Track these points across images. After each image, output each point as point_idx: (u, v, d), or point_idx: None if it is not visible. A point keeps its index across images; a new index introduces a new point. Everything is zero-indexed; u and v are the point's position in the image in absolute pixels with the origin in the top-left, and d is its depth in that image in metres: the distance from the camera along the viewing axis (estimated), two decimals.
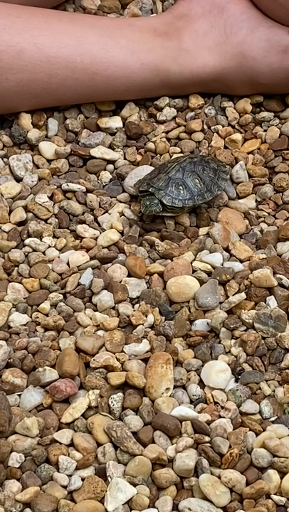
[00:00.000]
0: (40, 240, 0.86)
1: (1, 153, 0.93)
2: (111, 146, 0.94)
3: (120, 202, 0.89)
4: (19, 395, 0.74)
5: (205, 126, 0.95)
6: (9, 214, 0.88)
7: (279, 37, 0.94)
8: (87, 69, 0.94)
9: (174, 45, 0.95)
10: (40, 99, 0.95)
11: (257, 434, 0.72)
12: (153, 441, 0.71)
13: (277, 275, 0.81)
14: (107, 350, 0.77)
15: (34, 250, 0.85)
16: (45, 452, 0.70)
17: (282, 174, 0.91)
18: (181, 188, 0.85)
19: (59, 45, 0.93)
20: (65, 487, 0.69)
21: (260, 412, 0.74)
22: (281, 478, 0.69)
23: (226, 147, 0.93)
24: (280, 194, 0.89)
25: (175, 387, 0.75)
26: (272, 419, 0.73)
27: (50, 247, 0.85)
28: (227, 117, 0.96)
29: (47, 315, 0.80)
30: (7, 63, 0.91)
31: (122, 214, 0.88)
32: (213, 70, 0.96)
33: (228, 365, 0.76)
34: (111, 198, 0.89)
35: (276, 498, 0.68)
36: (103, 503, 0.67)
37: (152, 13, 1.05)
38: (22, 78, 0.92)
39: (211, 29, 0.96)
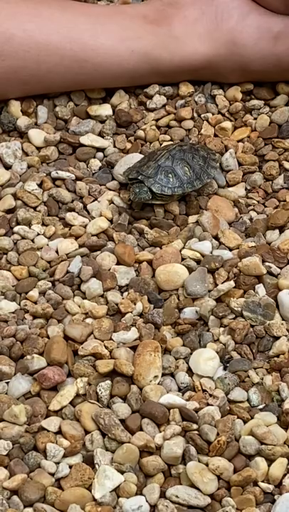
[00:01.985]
0: (29, 227, 0.86)
1: None
2: (101, 134, 0.94)
3: (110, 190, 0.90)
4: (7, 383, 0.74)
5: (195, 114, 0.95)
6: None
7: (270, 24, 0.94)
8: (77, 56, 0.94)
9: (165, 32, 0.95)
10: (30, 86, 0.95)
11: (245, 422, 0.71)
12: (141, 429, 0.71)
13: (266, 263, 0.81)
14: (95, 338, 0.77)
15: (23, 238, 0.85)
16: (32, 440, 0.70)
17: (272, 162, 0.91)
18: (170, 175, 0.85)
19: (48, 31, 0.93)
20: (52, 474, 0.69)
21: (248, 400, 0.73)
22: (269, 465, 0.69)
23: (215, 135, 0.93)
24: (270, 182, 0.89)
25: (163, 374, 0.75)
26: (260, 406, 0.73)
27: (39, 234, 0.85)
28: (217, 105, 0.96)
29: (35, 303, 0.80)
30: None
31: (111, 202, 0.88)
32: (203, 57, 0.96)
33: (217, 353, 0.76)
34: (100, 185, 0.90)
35: (263, 485, 0.68)
36: (91, 491, 0.67)
37: (142, 0, 1.06)
38: (11, 65, 0.92)
39: (201, 16, 0.96)
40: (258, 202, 0.89)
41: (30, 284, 0.81)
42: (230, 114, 0.95)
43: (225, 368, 0.75)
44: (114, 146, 0.93)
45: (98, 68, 0.94)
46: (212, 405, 0.72)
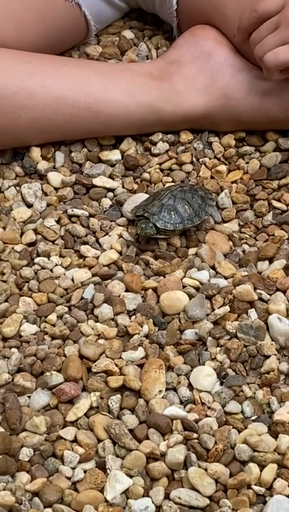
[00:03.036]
0: (48, 259, 0.86)
1: (14, 182, 0.93)
2: (111, 176, 0.94)
3: (119, 225, 0.89)
4: (29, 397, 0.75)
5: (194, 159, 0.95)
6: (21, 236, 0.89)
7: (259, 81, 0.93)
8: (91, 108, 0.93)
9: (167, 88, 0.95)
10: (49, 134, 0.95)
11: (239, 432, 0.72)
12: (147, 438, 0.71)
13: (258, 290, 0.81)
14: (106, 357, 0.77)
15: (43, 268, 0.85)
16: (51, 447, 0.71)
17: (262, 201, 0.90)
18: (172, 213, 0.85)
19: (65, 87, 0.93)
20: (69, 478, 0.69)
21: (242, 412, 0.74)
22: (261, 470, 0.69)
23: (212, 177, 0.93)
24: (260, 219, 0.89)
25: (167, 389, 0.75)
26: (253, 418, 0.73)
27: (56, 265, 0.85)
28: (213, 151, 0.96)
29: (54, 325, 0.80)
30: (20, 103, 0.91)
31: (120, 236, 0.88)
32: (201, 110, 0.95)
33: (214, 370, 0.76)
34: (111, 221, 0.89)
35: (256, 488, 0.68)
36: (103, 493, 0.68)
37: (148, 59, 1.06)
38: (33, 116, 0.92)
39: (199, 73, 0.96)
40: (250, 236, 0.88)
41: (49, 308, 0.81)
42: (225, 159, 0.95)
43: (221, 384, 0.75)
44: (123, 187, 0.93)
45: (109, 119, 0.94)
46: (210, 417, 0.72)
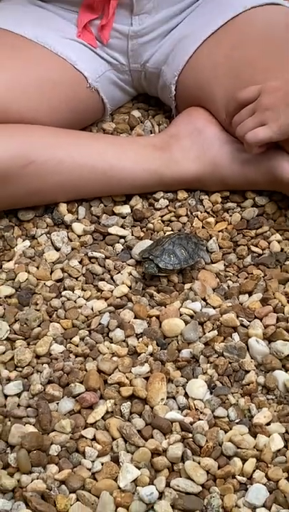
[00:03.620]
0: (73, 292, 0.86)
1: (45, 231, 0.93)
2: (122, 226, 0.94)
3: (129, 265, 0.89)
4: (57, 403, 0.75)
5: (188, 212, 0.95)
6: (51, 274, 0.89)
7: (240, 152, 0.93)
8: (106, 173, 0.93)
9: (167, 157, 0.95)
10: (73, 193, 0.95)
11: (226, 432, 0.72)
12: (152, 437, 0.72)
13: (240, 318, 0.81)
14: (119, 371, 0.77)
15: (68, 299, 0.85)
16: (75, 444, 0.71)
17: (243, 246, 0.90)
18: (171, 256, 0.85)
19: (87, 157, 0.93)
20: (89, 469, 0.70)
21: (228, 416, 0.74)
22: (243, 463, 0.70)
23: (203, 227, 0.93)
24: (241, 260, 0.89)
25: (168, 397, 0.75)
26: (237, 421, 0.73)
27: (79, 297, 0.85)
28: (204, 206, 0.96)
29: (77, 345, 0.80)
30: (50, 169, 0.90)
31: (130, 274, 0.88)
32: (194, 174, 0.95)
33: (205, 382, 0.76)
34: (122, 262, 0.89)
35: (239, 478, 0.69)
36: (117, 481, 0.68)
37: (152, 133, 1.06)
38: (60, 179, 0.92)
39: (193, 145, 0.95)
40: (233, 274, 0.88)
41: (73, 332, 0.81)
42: (213, 212, 0.95)
43: (211, 393, 0.75)
44: (132, 235, 0.93)
45: (121, 181, 0.94)
46: (202, 420, 0.73)
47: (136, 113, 1.10)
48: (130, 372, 0.77)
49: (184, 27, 1.02)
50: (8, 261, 0.90)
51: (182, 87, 1.01)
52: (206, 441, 0.71)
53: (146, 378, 0.76)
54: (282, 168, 0.89)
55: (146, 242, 0.91)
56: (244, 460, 0.70)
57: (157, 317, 0.83)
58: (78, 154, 0.92)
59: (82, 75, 0.99)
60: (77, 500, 0.67)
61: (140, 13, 1.00)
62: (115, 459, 0.70)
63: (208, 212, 0.96)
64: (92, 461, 0.70)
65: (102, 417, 0.73)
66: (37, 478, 0.69)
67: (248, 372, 0.77)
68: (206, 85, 0.97)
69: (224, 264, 0.90)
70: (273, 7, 0.99)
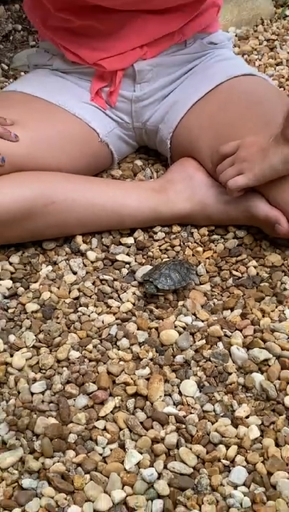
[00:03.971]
0: (87, 308, 0.86)
1: (65, 258, 0.93)
2: (128, 254, 0.94)
3: (133, 286, 0.89)
4: (74, 400, 0.75)
5: (181, 243, 0.96)
6: (69, 293, 0.88)
7: (223, 195, 0.92)
8: (114, 211, 0.93)
9: (164, 198, 0.94)
10: (87, 227, 0.95)
11: (212, 424, 0.72)
12: (152, 428, 0.72)
13: (223, 329, 0.82)
14: (125, 373, 0.77)
15: (83, 314, 0.85)
16: (89, 434, 0.71)
17: (226, 271, 0.91)
18: (168, 278, 0.85)
19: (98, 198, 0.93)
20: (100, 454, 0.70)
21: (214, 410, 0.74)
22: (226, 449, 0.70)
23: (193, 255, 0.94)
24: (225, 282, 0.89)
25: (165, 395, 0.75)
26: (221, 414, 0.73)
27: (92, 312, 0.85)
28: (194, 238, 0.96)
29: (90, 352, 0.80)
30: (68, 207, 0.90)
31: (134, 293, 0.88)
32: (186, 212, 0.95)
33: (195, 382, 0.76)
34: (127, 284, 0.89)
35: (224, 461, 0.69)
36: (123, 464, 0.68)
37: (151, 179, 1.07)
38: (77, 216, 0.92)
39: (184, 189, 0.95)
40: (218, 294, 0.88)
41: (87, 341, 0.81)
42: (201, 243, 0.96)
43: (200, 391, 0.76)
44: (135, 261, 0.93)
45: (126, 218, 0.94)
46: (193, 413, 0.73)
47: (138, 162, 1.10)
48: (134, 374, 0.77)
49: (177, 93, 1.02)
50: (34, 282, 0.90)
51: (175, 141, 1.01)
52: (197, 431, 0.71)
53: (147, 379, 0.76)
54: (257, 208, 0.89)
55: (147, 267, 0.91)
56: (227, 447, 0.70)
57: (156, 329, 0.83)
58: (91, 195, 0.92)
59: (95, 131, 0.99)
60: (91, 479, 0.68)
61: (141, 82, 1.01)
62: (122, 446, 0.71)
63: (197, 243, 0.96)
64: (103, 448, 0.70)
65: (111, 411, 0.73)
66: (58, 462, 0.69)
67: (230, 374, 0.77)
68: (195, 141, 0.97)
69: (210, 285, 0.90)
70: (250, 77, 1.00)
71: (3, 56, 1.28)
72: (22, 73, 1.23)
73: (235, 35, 1.36)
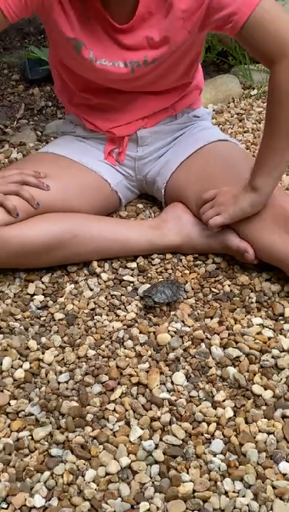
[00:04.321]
0: (101, 316, 0.85)
1: (84, 278, 0.92)
2: (132, 275, 0.93)
3: (136, 300, 0.88)
4: (91, 387, 0.75)
5: (173, 267, 0.94)
6: (87, 305, 0.86)
7: (205, 230, 0.92)
8: (119, 242, 0.92)
9: (159, 233, 0.94)
10: (100, 255, 0.93)
11: (197, 406, 0.72)
12: (151, 409, 0.72)
13: (205, 333, 0.81)
14: (130, 367, 0.77)
15: (98, 321, 0.84)
16: (102, 414, 0.72)
17: (206, 288, 0.90)
18: (163, 294, 0.85)
19: (109, 232, 0.92)
20: (111, 430, 0.70)
21: (198, 396, 0.74)
22: (208, 426, 0.70)
23: (182, 276, 0.92)
24: (206, 297, 0.89)
25: (160, 384, 0.75)
26: (204, 399, 0.74)
27: (105, 320, 0.85)
28: (182, 263, 0.95)
29: (103, 351, 0.79)
30: (87, 240, 0.89)
31: (136, 305, 0.87)
32: (176, 244, 0.94)
33: (184, 374, 0.76)
34: (132, 298, 0.88)
35: (206, 435, 0.69)
36: (128, 437, 0.69)
37: (150, 218, 1.04)
38: (93, 246, 0.91)
39: (175, 226, 0.94)
40: (201, 306, 0.88)
41: (101, 342, 0.81)
42: (188, 267, 0.94)
43: (188, 381, 0.76)
44: (138, 281, 0.92)
45: (130, 248, 0.93)
46: (182, 398, 0.73)
47: (140, 205, 1.08)
48: (137, 367, 0.77)
49: (169, 154, 1.01)
50: (61, 297, 0.89)
51: (168, 190, 1.00)
52: (185, 411, 0.71)
53: (147, 371, 0.76)
54: (231, 240, 0.89)
55: (147, 285, 0.90)
56: (208, 424, 0.70)
57: (154, 332, 0.82)
58: (105, 230, 0.92)
59: (107, 182, 0.98)
60: (104, 449, 0.68)
61: (142, 145, 1.00)
62: (127, 423, 0.71)
63: (184, 267, 0.95)
64: (113, 424, 0.70)
65: (119, 396, 0.73)
66: (78, 435, 0.69)
67: (210, 368, 0.77)
68: (183, 190, 0.96)
69: (195, 300, 0.89)
70: (224, 142, 1.00)
71: (38, 126, 1.28)
72: (52, 138, 1.23)
73: (213, 110, 1.37)
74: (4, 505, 0.63)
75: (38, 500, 0.63)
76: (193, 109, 1.04)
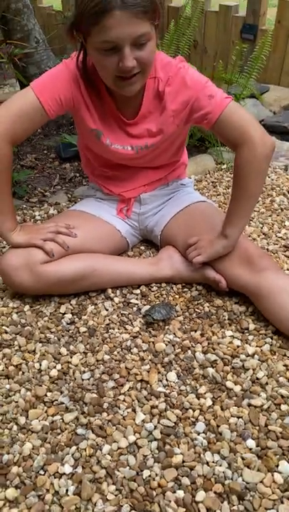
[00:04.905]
0: (114, 330, 0.83)
1: (101, 301, 0.89)
2: (136, 299, 0.91)
3: (139, 318, 0.87)
4: (106, 383, 0.74)
5: (167, 293, 0.92)
6: (103, 321, 0.85)
7: (189, 266, 0.91)
8: (129, 275, 0.91)
9: (156, 268, 0.93)
10: (114, 284, 0.92)
11: (185, 397, 0.72)
12: (151, 400, 0.71)
13: (191, 343, 0.81)
14: (135, 368, 0.77)
15: (111, 334, 0.83)
16: (115, 403, 0.71)
17: (191, 309, 0.87)
18: (159, 313, 0.84)
19: (120, 267, 0.91)
20: (121, 415, 0.70)
21: (186, 390, 0.73)
22: (193, 412, 0.70)
23: (173, 299, 0.90)
24: (191, 315, 0.85)
25: (158, 380, 0.75)
26: (190, 392, 0.73)
27: (117, 332, 0.82)
28: (173, 289, 0.93)
29: (115, 355, 0.79)
30: (104, 273, 0.88)
31: (140, 321, 0.85)
32: (169, 276, 0.93)
33: (176, 373, 0.76)
34: (136, 316, 0.87)
35: (192, 419, 0.69)
36: (134, 420, 0.69)
37: (150, 257, 1.01)
38: (108, 278, 0.90)
39: (167, 263, 0.92)
40: (187, 322, 0.86)
41: (113, 349, 0.80)
42: (178, 293, 0.91)
43: (178, 379, 0.76)
44: (141, 303, 0.88)
45: (134, 279, 0.92)
46: (174, 392, 0.74)
47: (142, 247, 1.06)
48: (141, 368, 0.76)
49: (163, 211, 1.01)
50: (84, 315, 0.88)
51: (163, 237, 1.00)
52: (176, 401, 0.71)
53: (148, 371, 0.76)
54: (209, 273, 0.89)
55: (147, 306, 0.89)
56: (194, 410, 0.70)
57: (153, 342, 0.81)
58: (117, 266, 0.91)
59: (119, 231, 0.98)
60: (116, 429, 0.68)
61: (144, 204, 1.00)
62: (134, 410, 0.71)
63: (175, 293, 0.93)
64: (123, 411, 0.70)
65: (127, 390, 0.73)
66: (97, 419, 0.69)
67: (195, 368, 0.76)
68: (174, 237, 0.97)
69: (183, 317, 0.87)
70: (204, 202, 0.99)
71: (68, 190, 1.32)
72: (79, 199, 1.25)
73: (195, 179, 1.39)
74: (42, 472, 0.64)
75: (67, 468, 0.64)
76: (180, 179, 1.04)
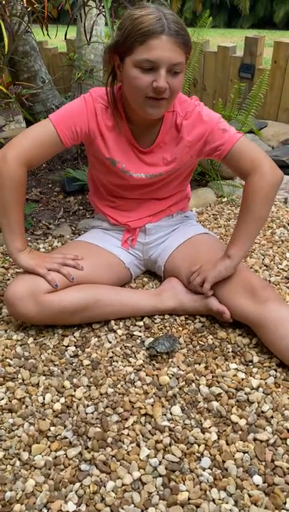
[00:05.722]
0: (117, 362, 0.84)
1: (104, 334, 0.90)
2: (140, 331, 0.91)
3: (143, 350, 0.88)
4: (110, 417, 0.74)
5: (170, 325, 0.92)
6: (107, 354, 0.87)
7: (194, 295, 0.92)
8: (132, 307, 0.93)
9: (160, 299, 0.94)
10: (117, 316, 0.93)
11: (189, 431, 0.72)
12: (155, 434, 0.72)
13: (195, 376, 0.81)
14: (139, 402, 0.77)
15: (115, 366, 0.83)
16: (119, 437, 0.72)
17: (195, 341, 0.88)
18: (163, 345, 0.85)
19: (123, 298, 0.92)
20: (126, 450, 0.70)
21: (190, 424, 0.73)
22: (198, 447, 0.70)
23: (176, 331, 0.90)
24: (195, 348, 0.86)
25: (162, 414, 0.75)
26: (195, 426, 0.73)
27: (120, 365, 0.84)
28: (176, 321, 0.93)
29: (119, 389, 0.79)
30: (106, 304, 0.89)
31: (144, 354, 0.86)
32: (172, 307, 0.94)
33: (180, 407, 0.76)
34: (140, 348, 0.88)
35: (197, 454, 0.70)
36: (139, 455, 0.69)
37: (153, 288, 1.02)
38: (111, 309, 0.91)
39: (171, 294, 0.92)
40: (191, 354, 0.85)
41: (117, 382, 0.80)
42: (181, 325, 0.91)
43: (183, 412, 0.75)
44: (144, 335, 0.89)
45: (137, 311, 0.93)
46: (178, 426, 0.74)
47: (145, 279, 1.07)
48: (144, 402, 0.77)
49: (167, 242, 1.04)
50: (87, 348, 0.89)
51: (166, 268, 1.02)
52: (181, 436, 0.72)
53: (152, 405, 0.76)
54: (212, 305, 0.91)
55: (151, 339, 0.90)
56: (199, 445, 0.71)
57: (156, 375, 0.82)
58: (120, 298, 0.92)
59: (122, 262, 1.00)
60: (120, 465, 0.68)
61: (149, 234, 1.02)
62: (138, 445, 0.71)
63: (178, 325, 0.94)
64: (127, 446, 0.71)
65: (131, 424, 0.74)
66: (101, 454, 0.69)
67: (199, 402, 0.77)
68: (177, 268, 0.98)
69: (187, 350, 0.88)
70: (205, 234, 1.03)
71: (72, 223, 1.36)
72: (82, 232, 1.28)
73: (196, 212, 1.43)
74: (45, 510, 0.63)
75: (71, 506, 0.63)
76: (184, 211, 1.08)
